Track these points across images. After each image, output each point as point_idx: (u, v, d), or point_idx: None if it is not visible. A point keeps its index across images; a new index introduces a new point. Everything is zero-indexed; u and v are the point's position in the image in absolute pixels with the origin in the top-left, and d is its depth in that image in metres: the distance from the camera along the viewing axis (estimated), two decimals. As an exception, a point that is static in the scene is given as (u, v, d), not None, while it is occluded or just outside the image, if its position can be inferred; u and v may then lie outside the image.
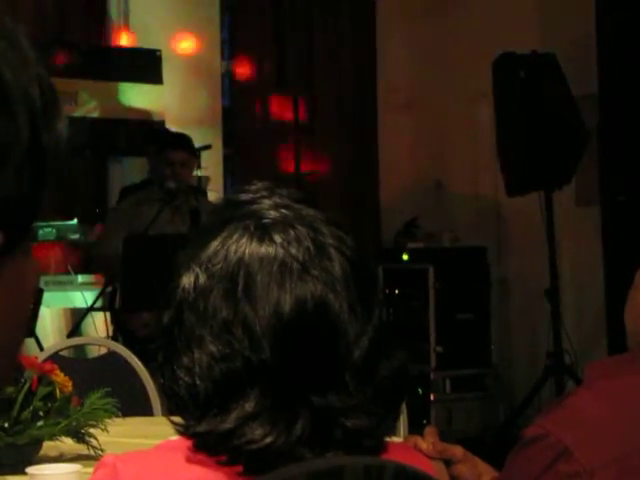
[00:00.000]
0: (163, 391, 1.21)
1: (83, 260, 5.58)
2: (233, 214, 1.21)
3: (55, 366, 2.16)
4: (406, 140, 6.66)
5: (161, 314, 1.21)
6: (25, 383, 2.07)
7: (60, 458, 2.14)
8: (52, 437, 2.09)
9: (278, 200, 1.21)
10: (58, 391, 2.11)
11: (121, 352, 3.06)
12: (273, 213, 1.19)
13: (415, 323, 5.84)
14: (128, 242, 4.57)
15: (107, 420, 2.13)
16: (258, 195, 1.22)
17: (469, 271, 5.99)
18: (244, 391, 1.14)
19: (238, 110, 6.54)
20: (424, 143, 6.59)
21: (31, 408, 2.06)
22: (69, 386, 2.14)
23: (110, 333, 4.92)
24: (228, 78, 6.47)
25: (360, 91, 6.72)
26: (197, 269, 1.18)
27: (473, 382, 5.95)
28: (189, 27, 6.42)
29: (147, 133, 5.73)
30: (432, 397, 5.78)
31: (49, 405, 2.10)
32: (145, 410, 2.89)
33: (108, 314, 5.00)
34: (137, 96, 6.22)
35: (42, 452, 2.12)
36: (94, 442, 2.11)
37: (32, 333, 4.69)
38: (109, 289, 4.81)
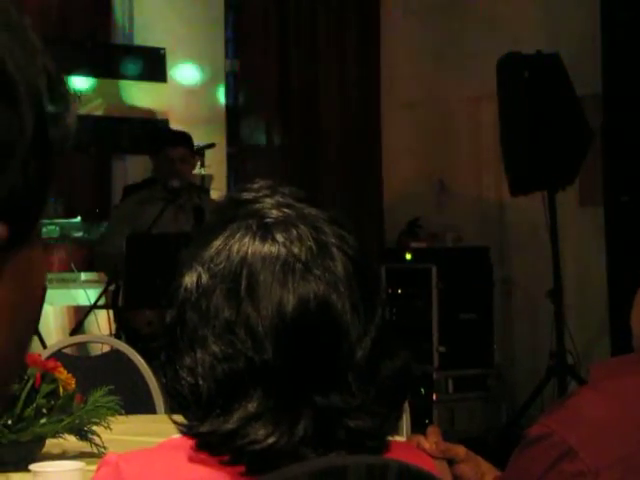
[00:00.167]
0: (166, 391, 1.21)
1: (86, 258, 5.59)
2: (235, 213, 1.20)
3: (58, 364, 2.16)
4: (409, 140, 6.65)
5: (164, 313, 1.21)
6: (28, 380, 2.08)
7: (63, 455, 2.14)
8: (55, 434, 2.09)
9: (280, 199, 1.21)
10: (61, 388, 2.11)
11: (124, 350, 3.06)
12: (275, 212, 1.19)
13: (418, 323, 5.84)
14: (131, 240, 4.58)
15: (110, 418, 2.13)
16: (260, 194, 1.22)
17: (472, 271, 5.99)
18: (247, 391, 1.14)
19: (242, 109, 6.54)
20: (427, 143, 6.59)
21: (34, 405, 2.07)
22: (72, 384, 2.14)
23: (113, 331, 4.93)
24: (232, 77, 6.47)
25: (363, 90, 6.72)
26: (199, 268, 1.18)
27: (476, 382, 5.94)
28: (193, 25, 6.42)
29: (149, 132, 5.74)
30: (435, 397, 5.78)
31: (52, 402, 2.10)
32: (148, 408, 2.89)
33: (111, 312, 5.00)
34: (141, 94, 6.22)
35: (45, 449, 2.12)
36: (97, 440, 2.11)
37: (35, 330, 4.69)
38: (112, 287, 4.82)
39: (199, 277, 1.17)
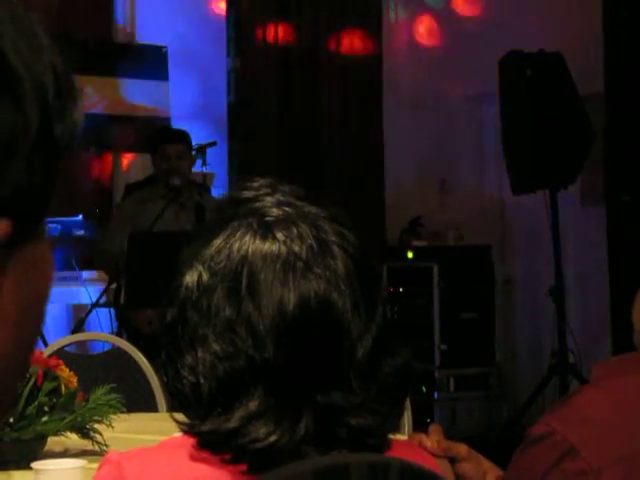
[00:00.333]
0: (167, 389, 1.21)
1: (88, 256, 5.59)
2: (236, 212, 1.20)
3: (60, 361, 2.16)
4: (411, 138, 6.65)
5: (165, 312, 1.21)
6: (30, 378, 2.08)
7: (65, 453, 2.14)
8: (57, 432, 2.09)
9: (281, 197, 1.21)
10: (63, 386, 2.11)
11: (126, 348, 3.06)
12: (276, 211, 1.19)
13: (419, 321, 5.84)
14: (133, 239, 4.58)
15: (112, 416, 2.14)
16: (261, 192, 1.22)
17: (474, 270, 5.99)
18: (248, 390, 1.14)
19: (243, 107, 6.53)
20: (429, 141, 6.59)
21: (36, 403, 2.07)
22: (74, 382, 2.14)
23: (114, 329, 4.93)
24: (234, 74, 6.47)
25: (366, 88, 6.71)
26: (200, 267, 1.18)
27: (477, 381, 5.94)
28: (195, 23, 6.41)
29: (148, 132, 5.75)
30: (436, 395, 5.78)
31: (54, 400, 2.10)
32: (149, 406, 2.89)
33: (112, 310, 5.00)
34: (143, 92, 6.22)
35: (47, 447, 2.12)
36: (99, 438, 2.11)
37: (41, 330, 4.69)
38: (114, 286, 4.81)
39: (200, 276, 1.17)
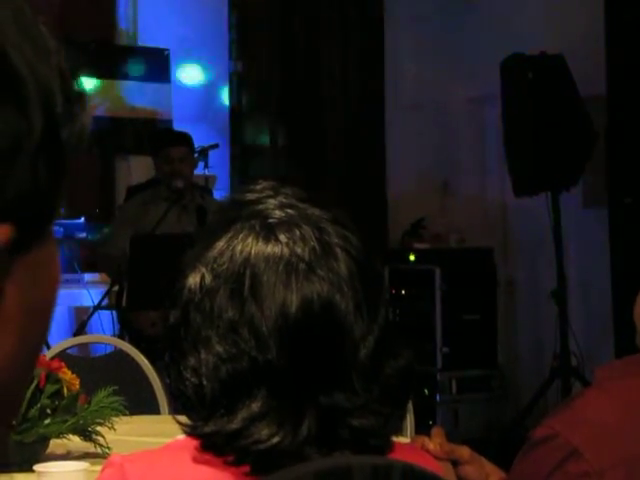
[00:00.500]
0: (170, 391, 1.21)
1: (90, 259, 5.59)
2: (238, 214, 1.20)
3: (62, 364, 2.16)
4: (413, 140, 6.65)
5: (167, 314, 1.21)
6: (32, 381, 2.08)
7: (67, 456, 2.14)
8: (59, 435, 2.09)
9: (283, 199, 1.21)
10: (65, 389, 2.11)
11: (128, 350, 3.06)
12: (278, 213, 1.19)
13: (421, 324, 5.83)
14: (135, 241, 4.58)
15: (114, 418, 2.14)
16: (263, 194, 1.22)
17: (476, 272, 5.98)
18: (251, 391, 1.14)
19: (245, 110, 6.54)
20: (431, 144, 6.59)
21: (38, 406, 2.07)
22: (76, 384, 2.14)
23: (117, 332, 4.93)
24: (236, 77, 6.47)
25: (367, 91, 6.71)
26: (203, 269, 1.18)
27: (479, 383, 5.94)
28: (198, 26, 6.42)
29: (150, 135, 5.76)
30: (438, 398, 5.78)
31: (56, 403, 2.10)
32: (152, 408, 2.89)
33: (115, 313, 5.00)
34: (145, 95, 6.23)
35: (49, 450, 2.12)
36: (101, 440, 2.11)
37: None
38: (116, 288, 4.82)
39: (202, 278, 1.17)
